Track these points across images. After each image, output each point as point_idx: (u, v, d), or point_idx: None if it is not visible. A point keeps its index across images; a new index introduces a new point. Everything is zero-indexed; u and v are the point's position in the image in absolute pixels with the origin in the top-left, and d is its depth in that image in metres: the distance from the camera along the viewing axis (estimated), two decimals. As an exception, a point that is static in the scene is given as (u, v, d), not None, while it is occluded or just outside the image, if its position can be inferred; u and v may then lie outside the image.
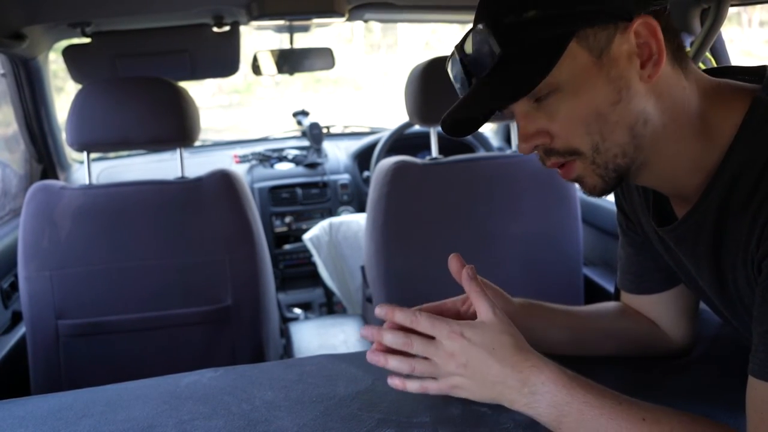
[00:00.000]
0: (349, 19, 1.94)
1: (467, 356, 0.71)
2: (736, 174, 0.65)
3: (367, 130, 3.05)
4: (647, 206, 0.81)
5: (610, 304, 0.97)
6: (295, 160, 2.71)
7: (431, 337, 0.73)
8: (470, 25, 0.69)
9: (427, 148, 1.77)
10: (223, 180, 1.55)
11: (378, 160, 2.45)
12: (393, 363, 0.75)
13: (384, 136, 2.53)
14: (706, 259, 0.72)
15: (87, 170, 1.58)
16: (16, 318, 1.70)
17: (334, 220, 2.40)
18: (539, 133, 0.69)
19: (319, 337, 1.89)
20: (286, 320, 2.41)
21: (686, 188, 0.72)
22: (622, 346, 0.92)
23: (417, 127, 2.43)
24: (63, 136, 2.10)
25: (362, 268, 1.93)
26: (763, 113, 0.65)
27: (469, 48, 0.67)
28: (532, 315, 0.88)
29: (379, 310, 0.77)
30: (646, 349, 0.92)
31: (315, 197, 2.64)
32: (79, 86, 1.61)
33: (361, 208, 2.63)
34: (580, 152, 0.68)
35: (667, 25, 0.66)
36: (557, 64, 0.63)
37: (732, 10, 1.31)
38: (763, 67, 0.70)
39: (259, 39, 3.56)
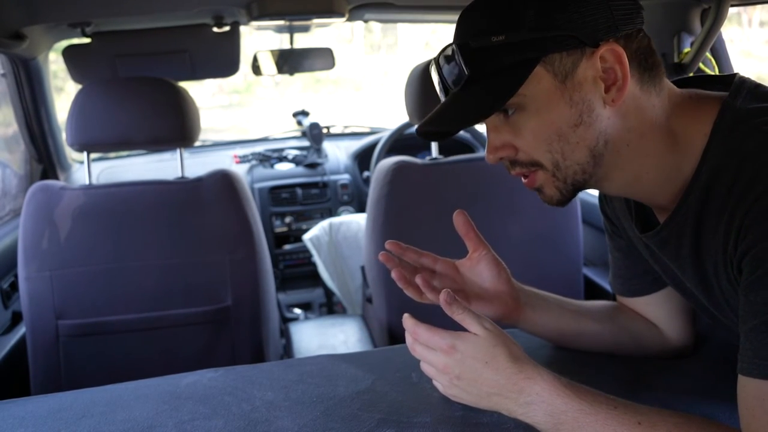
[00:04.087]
0: (349, 19, 1.94)
1: (460, 369, 0.75)
2: (711, 178, 0.67)
3: (367, 130, 3.05)
4: (629, 212, 0.83)
5: (609, 303, 0.98)
6: (295, 160, 2.71)
7: None
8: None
9: (427, 148, 1.78)
10: (223, 180, 1.55)
11: (378, 160, 2.45)
12: (417, 352, 0.80)
13: (384, 136, 2.53)
14: (690, 262, 0.73)
15: (87, 170, 1.58)
16: (16, 318, 1.70)
17: (334, 220, 2.40)
18: (505, 146, 0.72)
19: (319, 337, 1.89)
20: (286, 320, 2.41)
21: (661, 197, 0.73)
22: (619, 343, 0.93)
23: (417, 127, 2.43)
24: (63, 136, 2.10)
25: (362, 268, 1.93)
26: (732, 117, 0.66)
27: (443, 63, 0.71)
28: (532, 301, 0.90)
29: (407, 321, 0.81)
30: (643, 347, 0.93)
31: (315, 197, 2.64)
32: (79, 86, 1.61)
33: (361, 208, 2.63)
34: (542, 165, 0.71)
35: (640, 46, 0.69)
36: (523, 85, 0.66)
37: (732, 10, 1.31)
38: (732, 75, 0.72)
39: (259, 39, 3.57)
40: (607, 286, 1.80)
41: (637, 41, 0.68)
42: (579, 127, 0.68)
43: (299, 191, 2.61)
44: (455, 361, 0.75)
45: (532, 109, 0.68)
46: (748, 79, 0.70)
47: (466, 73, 0.67)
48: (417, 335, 0.79)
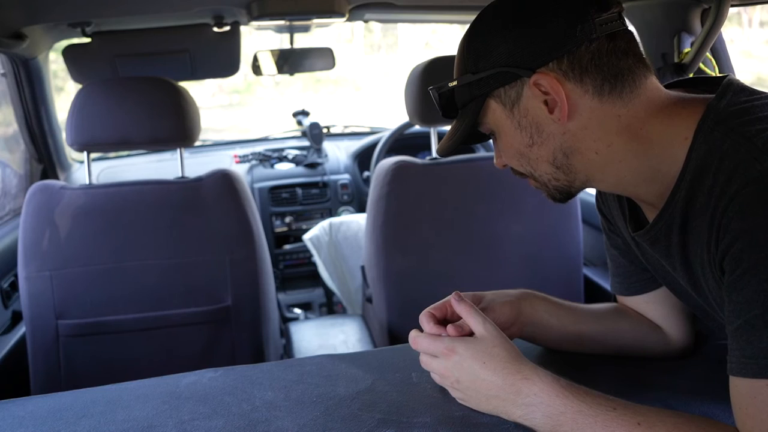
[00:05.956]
0: (349, 19, 1.94)
1: (459, 373, 0.77)
2: (694, 179, 0.68)
3: (367, 130, 3.05)
4: (622, 212, 0.85)
5: (609, 305, 0.98)
6: (296, 160, 2.71)
7: None
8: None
9: (427, 148, 1.77)
10: (224, 180, 1.55)
11: (378, 160, 2.45)
12: (424, 363, 0.84)
13: (384, 136, 2.53)
14: (679, 261, 0.74)
15: (87, 170, 1.58)
16: (16, 318, 1.70)
17: (334, 220, 2.40)
18: (500, 157, 0.82)
19: (319, 337, 1.89)
20: (286, 320, 2.41)
21: (648, 196, 0.75)
22: (621, 345, 0.93)
23: (417, 127, 2.43)
24: (63, 136, 2.10)
25: (362, 268, 1.93)
26: (714, 118, 0.67)
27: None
28: (534, 306, 0.91)
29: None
30: (645, 348, 0.93)
31: (315, 197, 2.64)
32: (79, 86, 1.61)
33: (361, 208, 2.63)
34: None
35: (595, 56, 0.70)
36: (483, 116, 0.77)
37: (732, 10, 1.31)
38: (723, 76, 0.73)
39: (259, 39, 3.57)
40: (607, 286, 1.79)
41: (589, 53, 0.70)
42: (533, 146, 0.75)
43: (299, 191, 2.61)
44: (454, 364, 0.77)
45: (497, 134, 0.78)
46: (736, 80, 0.71)
47: (439, 111, 0.81)
48: (417, 344, 0.81)
